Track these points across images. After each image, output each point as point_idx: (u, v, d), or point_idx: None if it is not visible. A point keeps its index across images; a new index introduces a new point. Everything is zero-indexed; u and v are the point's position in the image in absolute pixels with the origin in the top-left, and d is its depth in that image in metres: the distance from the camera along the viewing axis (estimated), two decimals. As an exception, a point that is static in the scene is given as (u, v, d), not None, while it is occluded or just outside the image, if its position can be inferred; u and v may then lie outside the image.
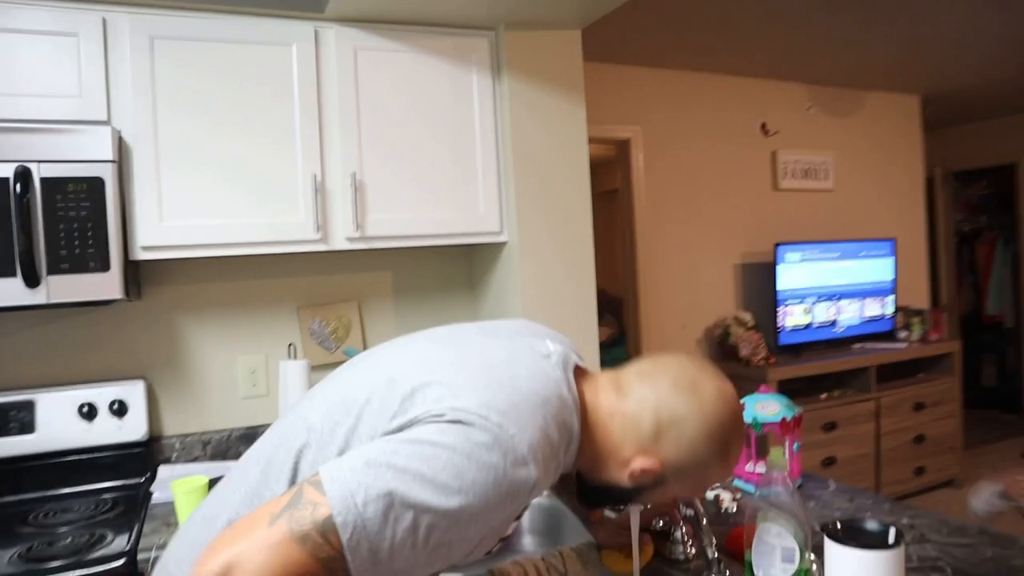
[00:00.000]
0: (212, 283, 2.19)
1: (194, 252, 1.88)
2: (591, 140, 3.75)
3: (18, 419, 1.93)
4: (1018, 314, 5.94)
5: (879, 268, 4.27)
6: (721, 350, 3.98)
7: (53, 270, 1.70)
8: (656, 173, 3.88)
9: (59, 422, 1.95)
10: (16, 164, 1.66)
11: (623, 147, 3.83)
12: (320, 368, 2.28)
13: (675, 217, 3.94)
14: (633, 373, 0.95)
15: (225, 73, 1.91)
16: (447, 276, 2.47)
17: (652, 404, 0.91)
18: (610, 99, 3.76)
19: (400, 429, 0.80)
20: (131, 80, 1.82)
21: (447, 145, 2.12)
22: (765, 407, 1.64)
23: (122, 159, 1.81)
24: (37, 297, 1.69)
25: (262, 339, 2.24)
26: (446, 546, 0.76)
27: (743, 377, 3.71)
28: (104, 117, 1.80)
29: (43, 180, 1.69)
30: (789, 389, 3.74)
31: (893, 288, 4.34)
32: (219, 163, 1.90)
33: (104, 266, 1.74)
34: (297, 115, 1.96)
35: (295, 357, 2.22)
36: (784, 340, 3.91)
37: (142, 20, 1.83)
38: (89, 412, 1.97)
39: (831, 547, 0.94)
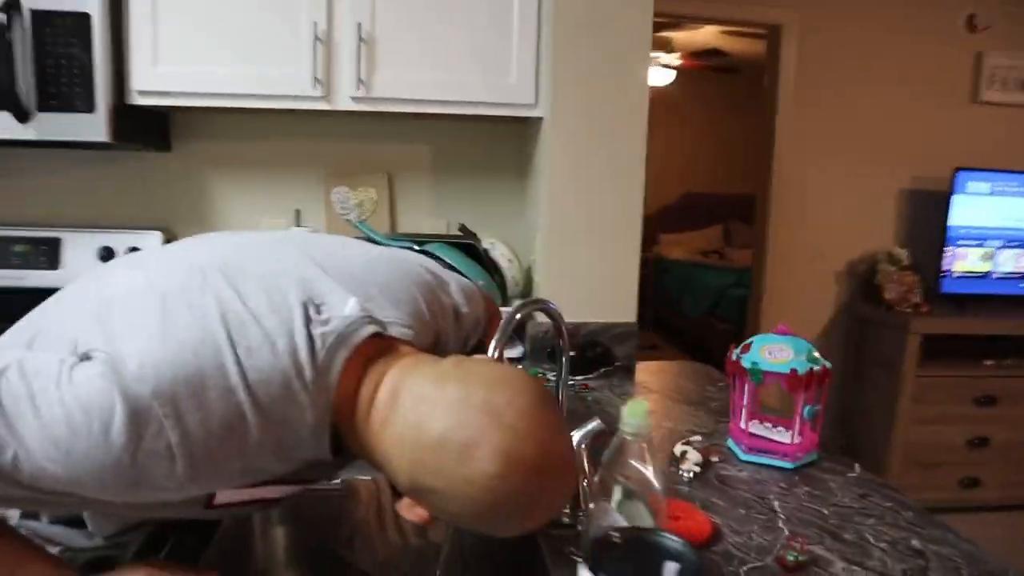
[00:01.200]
0: (243, 141, 2.12)
1: (188, 100, 1.80)
2: (731, 22, 3.20)
3: (46, 254, 2.01)
4: None
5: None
6: (863, 291, 3.37)
7: (43, 107, 1.68)
8: (811, 67, 3.24)
9: (80, 262, 2.01)
10: (4, -8, 1.62)
11: (773, 34, 3.22)
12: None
13: (828, 123, 3.30)
14: (424, 381, 0.66)
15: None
16: (494, 155, 2.21)
17: (409, 450, 0.63)
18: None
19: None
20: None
21: (480, 6, 1.82)
22: (774, 352, 1.26)
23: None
24: (27, 132, 1.69)
25: (288, 203, 2.15)
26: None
27: (882, 324, 3.12)
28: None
29: (33, 12, 1.65)
30: (940, 348, 3.09)
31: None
32: (219, 8, 1.76)
33: (90, 107, 1.69)
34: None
35: (300, 224, 2.11)
36: (947, 288, 3.21)
37: None
38: (106, 255, 2.01)
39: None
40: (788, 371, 1.22)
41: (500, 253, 1.99)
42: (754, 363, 1.26)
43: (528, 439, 0.60)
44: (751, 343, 1.31)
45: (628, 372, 1.82)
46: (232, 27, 1.78)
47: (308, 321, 0.66)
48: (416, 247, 1.90)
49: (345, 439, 0.69)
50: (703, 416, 1.51)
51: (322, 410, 0.66)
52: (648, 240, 6.71)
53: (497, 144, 2.20)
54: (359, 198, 2.18)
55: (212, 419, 0.59)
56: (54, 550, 0.83)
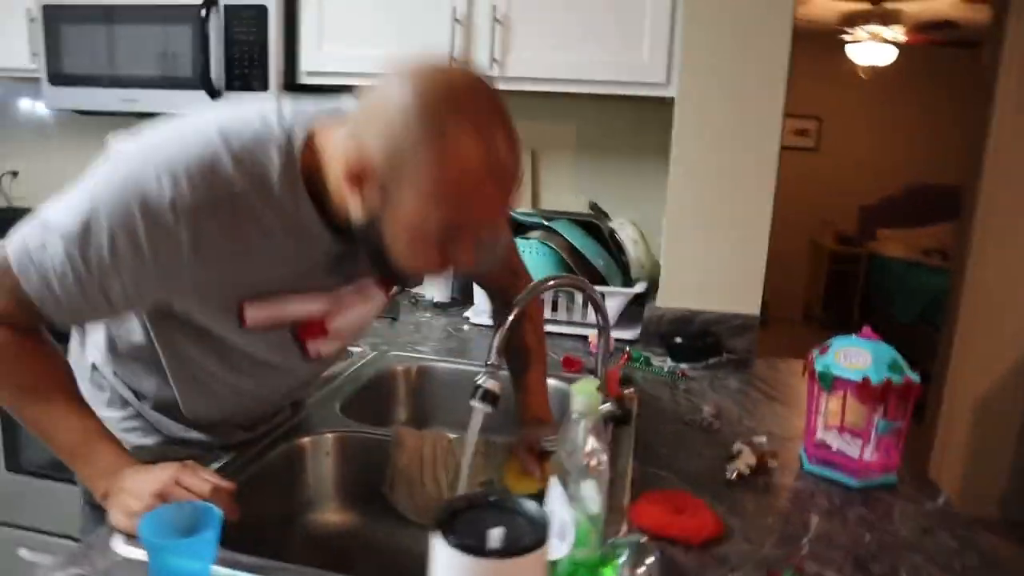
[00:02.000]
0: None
1: (348, 80, 1.98)
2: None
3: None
4: None
5: None
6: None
7: (230, 87, 1.99)
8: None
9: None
10: (204, -11, 1.94)
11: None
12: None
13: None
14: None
15: None
16: (638, 135, 2.19)
17: (366, 96, 0.80)
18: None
19: None
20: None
21: (612, -24, 1.81)
22: (850, 356, 1.16)
23: (293, -14, 1.98)
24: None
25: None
26: (104, 279, 0.78)
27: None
28: (282, -54, 1.96)
29: (226, 7, 1.94)
30: None
31: None
32: (373, -7, 1.94)
33: (264, 86, 1.97)
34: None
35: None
36: None
37: None
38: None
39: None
40: (860, 379, 1.11)
41: (627, 234, 1.98)
42: (826, 366, 1.16)
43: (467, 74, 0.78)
44: (830, 344, 1.20)
45: (742, 366, 1.73)
46: (385, 10, 1.95)
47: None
48: (545, 222, 1.96)
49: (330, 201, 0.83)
50: (794, 420, 1.41)
51: (288, 147, 0.80)
52: (864, 234, 6.07)
53: (641, 124, 2.17)
54: (504, 174, 2.28)
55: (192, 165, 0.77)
56: (154, 436, 1.04)
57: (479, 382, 0.95)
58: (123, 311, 0.89)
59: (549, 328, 1.89)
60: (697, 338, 1.74)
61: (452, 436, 1.21)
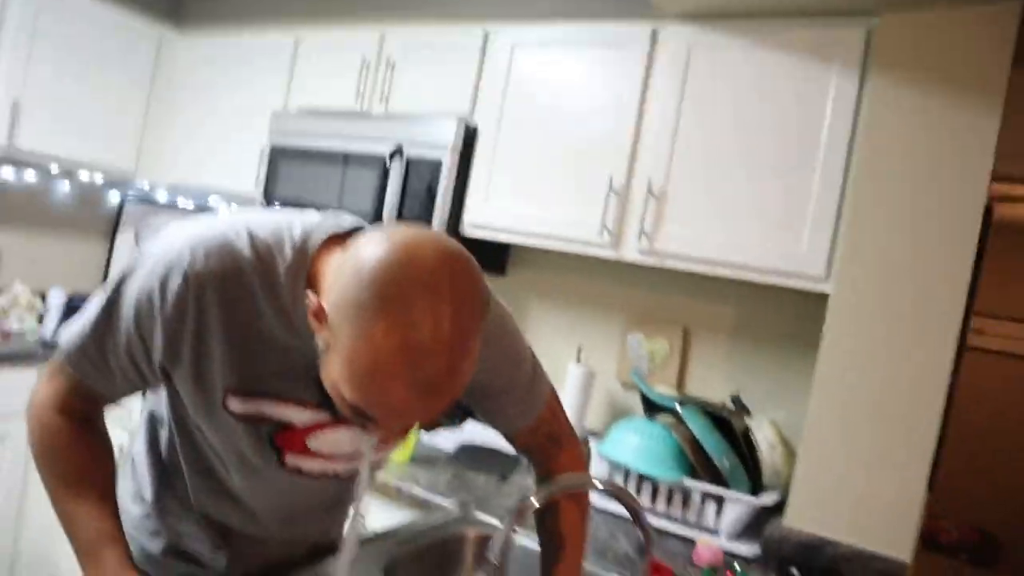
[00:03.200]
0: (563, 274, 2.35)
1: (507, 236, 2.10)
2: None
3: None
4: None
5: None
6: None
7: (400, 228, 2.17)
8: None
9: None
10: (394, 144, 2.17)
11: None
12: (629, 387, 2.20)
13: None
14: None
15: (569, 76, 2.05)
16: (802, 329, 2.01)
17: (358, 240, 0.78)
18: None
19: None
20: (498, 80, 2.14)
21: (778, 162, 1.76)
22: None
23: (469, 146, 2.15)
24: (387, 247, 2.19)
25: (589, 339, 2.29)
26: (122, 346, 0.88)
27: None
28: (466, 112, 2.17)
29: (408, 159, 2.16)
30: None
31: None
32: (540, 154, 2.05)
33: (428, 232, 2.12)
34: (612, 115, 1.95)
35: (579, 361, 2.20)
36: None
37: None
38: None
39: None
40: None
41: (764, 436, 1.79)
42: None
43: (440, 243, 0.74)
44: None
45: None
46: (549, 175, 2.04)
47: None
48: (676, 407, 1.85)
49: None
50: None
51: (302, 248, 0.85)
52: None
53: (805, 315, 2.00)
54: (651, 348, 2.20)
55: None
56: (160, 541, 1.07)
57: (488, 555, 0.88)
58: (151, 380, 0.94)
59: (653, 521, 1.73)
60: (820, 572, 1.48)
61: None
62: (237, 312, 0.85)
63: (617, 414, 2.25)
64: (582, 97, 2.01)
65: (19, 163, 2.81)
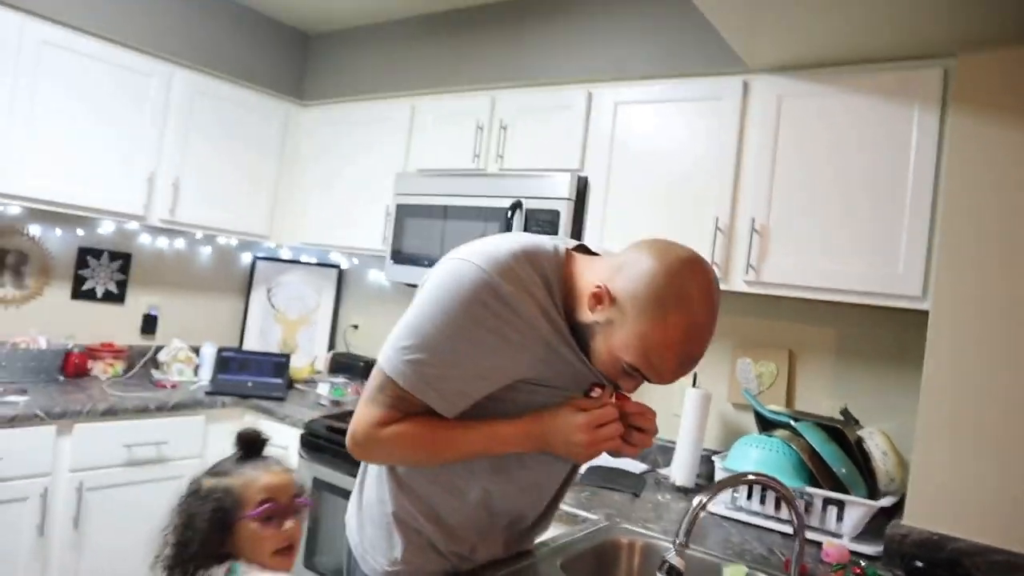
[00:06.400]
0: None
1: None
2: None
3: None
4: None
5: None
6: None
7: (522, 273, 2.47)
8: None
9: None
10: (513, 199, 2.49)
11: None
12: (740, 407, 2.42)
13: None
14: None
15: (669, 128, 2.33)
16: (900, 345, 2.21)
17: (630, 251, 1.13)
18: None
19: None
20: (599, 137, 2.44)
21: (870, 193, 1.99)
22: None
23: (582, 197, 2.45)
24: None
25: (704, 363, 2.52)
26: (458, 367, 1.11)
27: None
28: (577, 166, 2.47)
29: (528, 209, 2.47)
30: None
31: None
32: (649, 200, 2.33)
33: (548, 275, 2.41)
34: (712, 161, 2.22)
35: (695, 386, 2.43)
36: None
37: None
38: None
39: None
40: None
41: (876, 444, 1.99)
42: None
43: (697, 257, 1.09)
44: None
45: (1000, 609, 1.62)
46: (656, 217, 2.31)
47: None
48: (791, 422, 2.07)
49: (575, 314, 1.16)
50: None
51: (555, 267, 1.15)
52: None
53: (903, 332, 2.20)
54: (759, 370, 2.43)
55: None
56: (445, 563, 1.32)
57: (667, 557, 1.13)
58: (496, 384, 1.15)
59: (771, 525, 1.95)
60: (943, 567, 1.67)
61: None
62: (522, 309, 1.11)
63: (729, 433, 2.47)
64: (683, 146, 2.29)
65: (173, 233, 3.26)
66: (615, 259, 1.14)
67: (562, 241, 1.23)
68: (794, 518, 1.26)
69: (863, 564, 1.74)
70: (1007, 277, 1.76)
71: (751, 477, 1.26)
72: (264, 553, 1.16)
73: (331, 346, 3.53)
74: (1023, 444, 1.70)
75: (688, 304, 1.05)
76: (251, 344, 3.50)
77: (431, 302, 1.13)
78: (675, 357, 1.07)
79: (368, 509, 1.33)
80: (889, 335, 2.24)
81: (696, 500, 1.18)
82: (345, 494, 2.10)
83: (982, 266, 1.79)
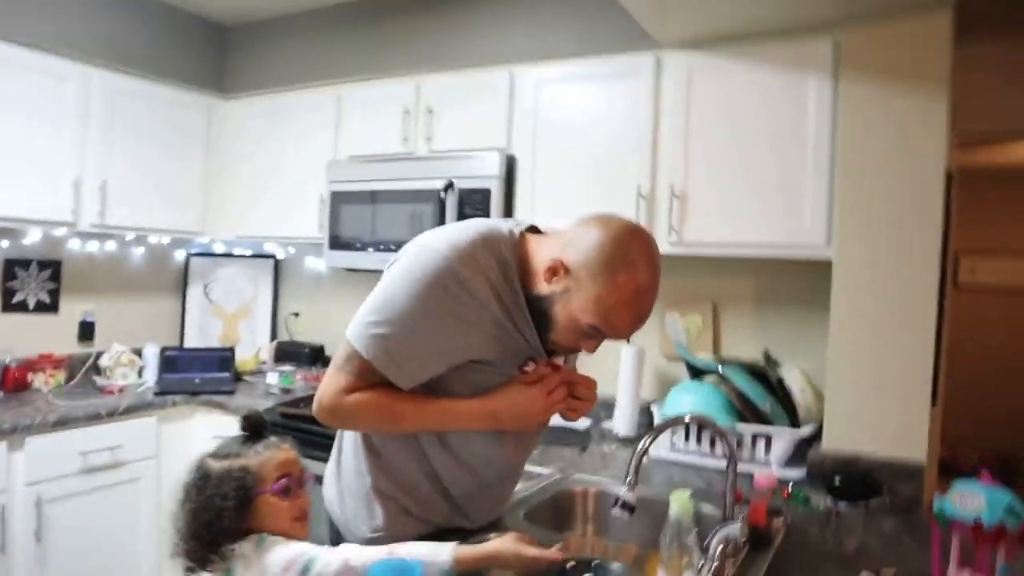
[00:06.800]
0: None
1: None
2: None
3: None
4: None
5: None
6: None
7: (460, 251, 2.59)
8: None
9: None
10: (444, 180, 2.60)
11: None
12: (672, 359, 2.63)
13: None
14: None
15: (590, 104, 2.47)
16: (813, 291, 2.44)
17: (577, 226, 1.27)
18: None
19: None
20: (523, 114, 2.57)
21: (775, 156, 2.19)
22: (966, 499, 1.34)
23: (511, 173, 2.58)
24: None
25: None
26: (418, 344, 1.24)
27: None
28: (504, 144, 2.59)
29: (460, 189, 2.58)
30: None
31: None
32: (574, 174, 2.48)
33: (486, 251, 2.54)
34: (632, 134, 2.38)
35: (628, 342, 2.62)
36: None
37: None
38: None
39: None
40: (972, 521, 1.29)
41: (795, 380, 2.22)
42: (941, 508, 1.35)
43: (638, 225, 1.27)
44: (951, 486, 1.38)
45: (903, 510, 1.86)
46: (585, 191, 2.47)
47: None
48: (718, 368, 2.28)
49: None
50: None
51: (511, 248, 1.29)
52: None
53: (814, 279, 2.43)
54: (687, 324, 2.63)
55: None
56: (425, 527, 1.43)
57: (619, 494, 1.30)
58: (435, 367, 1.28)
59: (707, 463, 2.17)
60: (858, 480, 1.91)
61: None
62: (480, 293, 1.24)
63: (664, 383, 2.68)
64: (604, 121, 2.45)
65: (104, 236, 3.23)
66: (564, 235, 1.28)
67: (516, 224, 1.36)
68: (726, 449, 1.44)
69: (790, 487, 1.97)
70: (896, 226, 2.00)
71: (687, 419, 1.44)
72: (284, 523, 1.28)
73: (273, 336, 3.58)
74: (916, 371, 1.96)
75: (634, 265, 1.20)
76: (192, 341, 3.52)
77: (398, 284, 1.25)
78: (628, 313, 1.22)
79: (346, 481, 1.45)
80: (801, 282, 2.47)
81: (641, 444, 1.35)
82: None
83: (875, 215, 2.02)
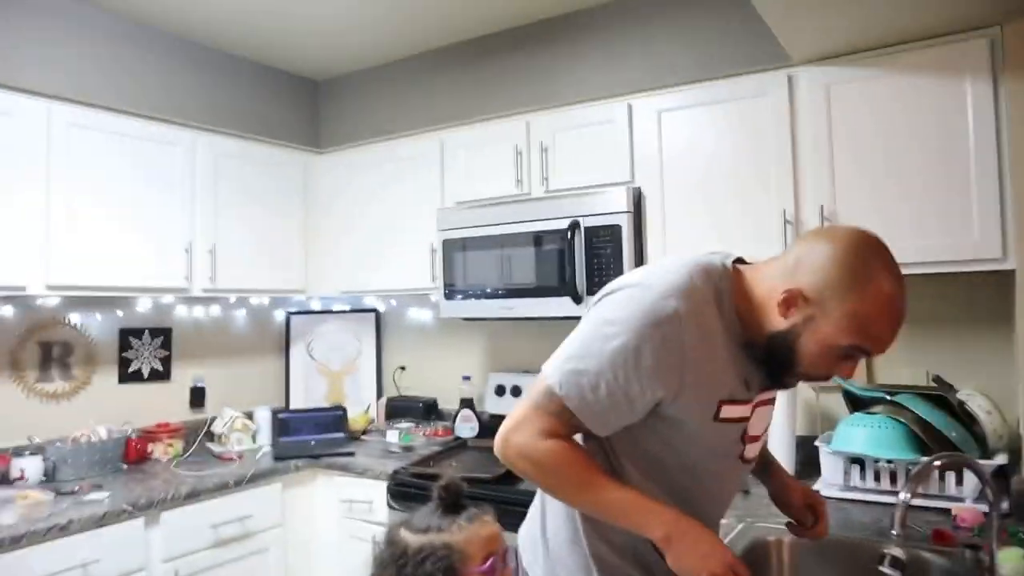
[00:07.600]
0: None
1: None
2: None
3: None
4: None
5: None
6: None
7: (590, 292, 2.51)
8: None
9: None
10: (570, 219, 2.53)
11: None
12: (824, 391, 2.49)
13: None
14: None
15: (718, 129, 2.39)
16: (975, 307, 2.31)
17: (795, 247, 1.19)
18: None
19: None
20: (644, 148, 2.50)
21: (933, 166, 2.08)
22: None
23: (638, 209, 2.50)
24: (580, 311, 2.52)
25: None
26: (628, 386, 1.15)
27: None
28: (627, 178, 2.52)
29: (586, 228, 2.51)
30: None
31: None
32: (707, 203, 2.40)
33: (618, 289, 2.46)
34: (772, 155, 2.29)
35: None
36: None
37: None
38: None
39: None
40: None
41: (978, 404, 2.07)
42: None
43: (865, 230, 1.15)
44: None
45: None
46: (718, 224, 2.38)
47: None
48: (888, 396, 2.14)
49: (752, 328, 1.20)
50: None
51: (728, 278, 1.21)
52: None
53: (974, 294, 2.30)
54: (834, 349, 2.50)
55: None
56: None
57: (886, 550, 1.19)
58: (640, 412, 1.19)
59: (868, 497, 2.01)
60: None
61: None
62: (707, 336, 1.16)
63: (814, 419, 2.54)
64: (733, 145, 2.37)
65: (209, 300, 3.23)
66: (782, 262, 1.19)
67: (725, 256, 1.27)
68: (988, 493, 1.32)
69: (998, 523, 1.81)
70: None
71: (939, 463, 1.32)
72: None
73: (379, 391, 3.52)
74: None
75: (878, 270, 1.11)
76: (297, 401, 3.48)
77: (605, 323, 1.18)
78: (888, 321, 1.12)
79: (556, 549, 1.35)
80: (961, 298, 2.34)
81: (901, 496, 1.24)
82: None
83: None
